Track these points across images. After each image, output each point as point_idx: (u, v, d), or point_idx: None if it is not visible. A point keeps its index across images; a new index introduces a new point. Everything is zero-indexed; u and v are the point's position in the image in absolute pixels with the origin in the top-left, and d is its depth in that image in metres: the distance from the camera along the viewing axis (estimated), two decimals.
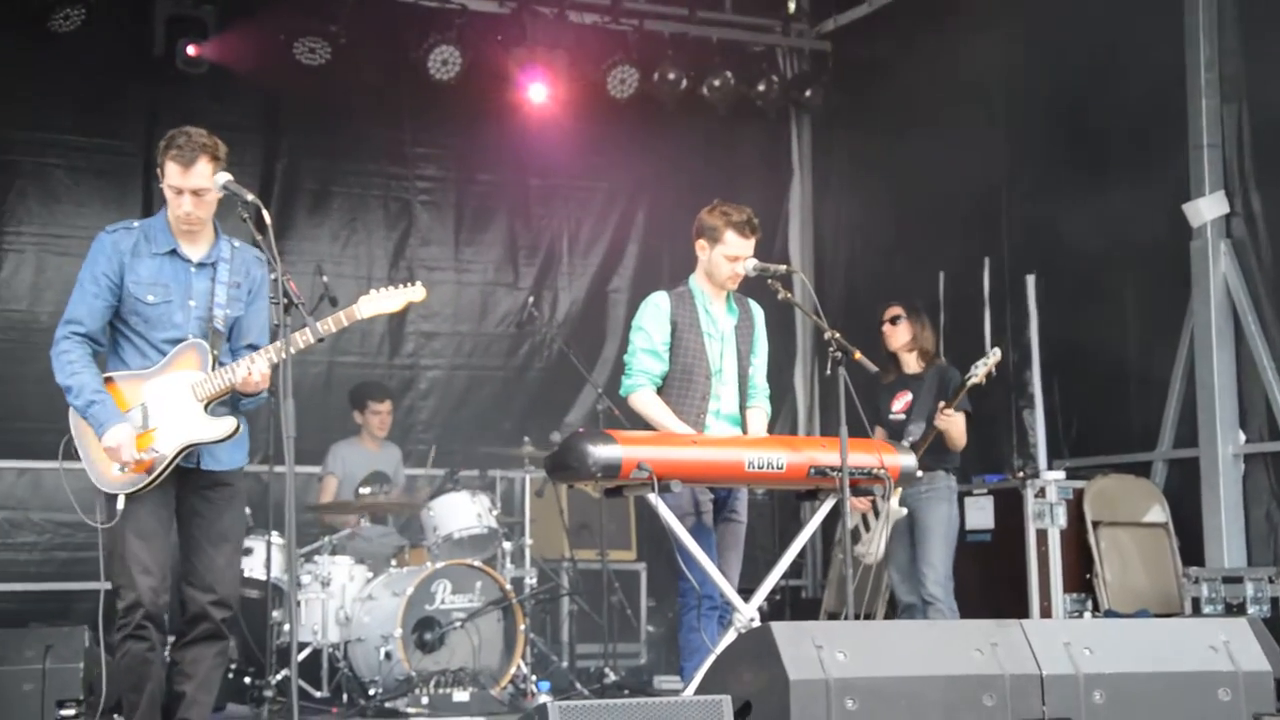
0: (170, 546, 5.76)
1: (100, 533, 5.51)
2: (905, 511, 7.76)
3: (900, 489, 7.46)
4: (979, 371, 7.76)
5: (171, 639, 5.96)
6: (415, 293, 5.81)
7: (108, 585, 5.58)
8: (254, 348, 5.65)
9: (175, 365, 5.55)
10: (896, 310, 8.17)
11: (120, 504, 5.43)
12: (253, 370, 5.46)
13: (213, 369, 5.55)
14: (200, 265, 5.61)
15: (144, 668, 5.52)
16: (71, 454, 5.56)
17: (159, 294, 5.55)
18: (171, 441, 5.49)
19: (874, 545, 7.72)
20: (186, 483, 5.62)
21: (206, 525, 5.63)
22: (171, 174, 5.50)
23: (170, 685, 5.61)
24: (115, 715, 6.46)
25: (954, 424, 7.82)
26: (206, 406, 5.53)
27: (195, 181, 5.49)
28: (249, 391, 5.54)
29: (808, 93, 11.69)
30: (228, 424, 5.56)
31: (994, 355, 7.81)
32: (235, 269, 5.68)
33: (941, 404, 7.80)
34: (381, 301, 5.75)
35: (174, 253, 5.60)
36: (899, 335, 8.14)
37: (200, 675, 5.61)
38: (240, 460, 5.74)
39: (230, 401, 5.63)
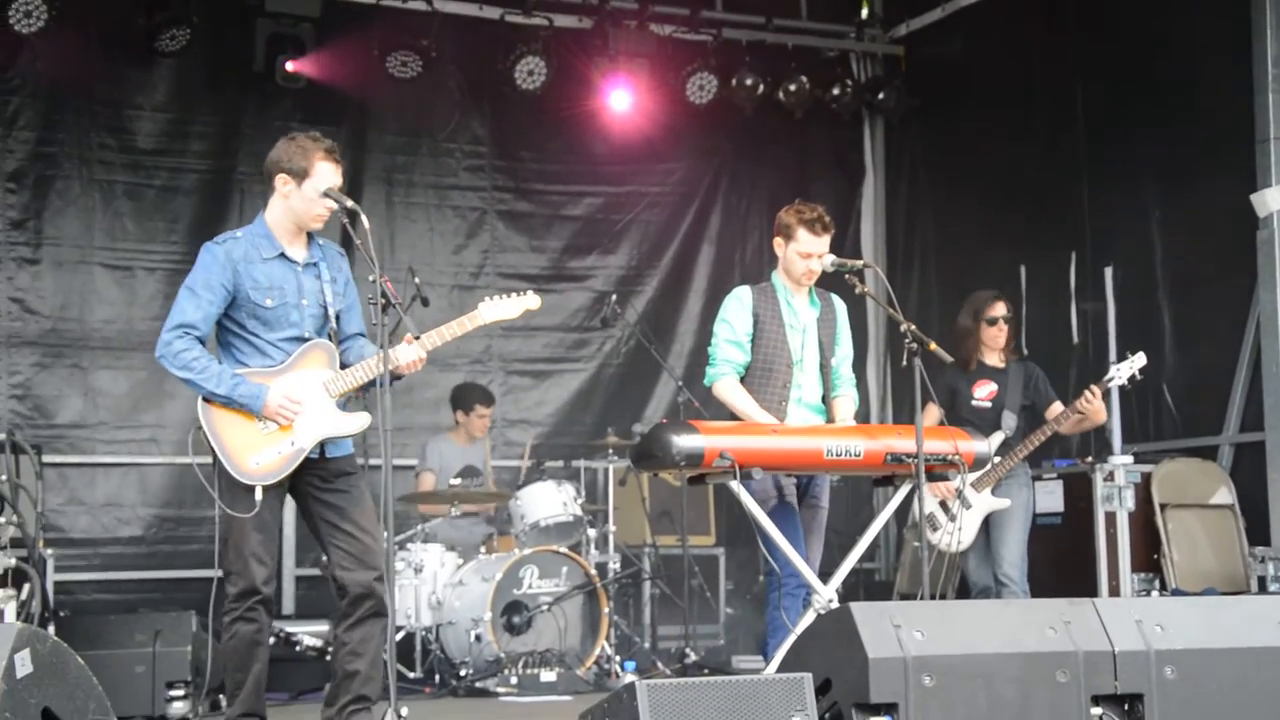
0: (280, 537, 5.89)
1: (218, 521, 5.52)
2: (1008, 503, 7.74)
3: (996, 482, 7.68)
4: (1123, 374, 7.71)
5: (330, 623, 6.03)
6: (531, 301, 5.97)
7: (218, 572, 5.64)
8: (361, 335, 5.80)
9: (303, 363, 5.63)
10: (1004, 310, 7.99)
11: (259, 494, 5.48)
12: (410, 358, 5.64)
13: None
14: (305, 265, 5.72)
15: (252, 649, 5.59)
16: (202, 449, 5.55)
17: (276, 297, 5.62)
18: (310, 435, 5.58)
19: (964, 533, 7.59)
20: (309, 478, 5.66)
21: (348, 512, 5.66)
22: (327, 174, 5.62)
23: (341, 665, 5.65)
24: (220, 695, 6.71)
25: (1096, 410, 7.69)
26: (338, 401, 5.64)
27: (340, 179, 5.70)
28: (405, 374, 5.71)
29: (880, 95, 11.77)
30: (362, 418, 5.66)
31: (1138, 359, 7.71)
32: (331, 266, 5.80)
33: (1084, 395, 7.65)
34: (501, 308, 5.89)
35: (282, 256, 5.68)
36: (1000, 336, 7.97)
37: (371, 653, 5.63)
38: (351, 446, 5.81)
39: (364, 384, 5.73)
